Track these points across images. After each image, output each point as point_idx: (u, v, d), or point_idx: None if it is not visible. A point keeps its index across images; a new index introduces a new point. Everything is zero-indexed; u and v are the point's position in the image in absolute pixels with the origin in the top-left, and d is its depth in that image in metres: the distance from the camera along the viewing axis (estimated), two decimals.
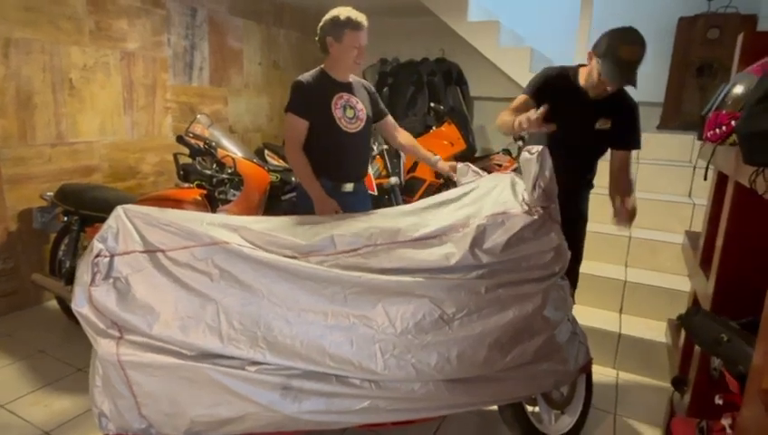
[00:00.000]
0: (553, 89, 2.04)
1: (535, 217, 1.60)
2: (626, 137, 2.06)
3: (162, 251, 1.54)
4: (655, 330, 2.62)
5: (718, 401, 1.25)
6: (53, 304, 3.16)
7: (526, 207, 1.63)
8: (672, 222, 3.17)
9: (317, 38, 2.22)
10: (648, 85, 4.38)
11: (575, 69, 2.08)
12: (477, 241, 1.58)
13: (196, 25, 3.94)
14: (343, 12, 2.15)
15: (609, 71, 1.85)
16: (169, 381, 1.46)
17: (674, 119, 4.22)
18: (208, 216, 1.76)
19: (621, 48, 1.83)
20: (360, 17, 2.16)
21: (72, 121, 3.19)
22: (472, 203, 1.78)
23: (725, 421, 1.25)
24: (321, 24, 2.19)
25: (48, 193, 2.86)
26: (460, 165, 2.16)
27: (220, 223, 1.68)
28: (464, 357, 1.50)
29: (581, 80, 2.02)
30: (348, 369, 1.46)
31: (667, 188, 3.42)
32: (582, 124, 2.05)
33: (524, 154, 1.67)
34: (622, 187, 2.07)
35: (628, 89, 2.00)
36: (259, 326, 1.46)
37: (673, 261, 2.95)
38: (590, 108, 2.03)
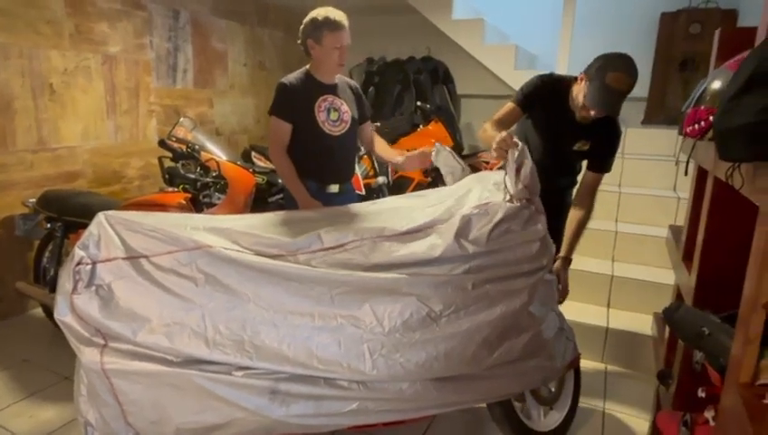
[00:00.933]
0: (541, 100, 2.00)
1: (518, 204, 1.62)
2: (600, 160, 2.01)
3: (145, 257, 1.52)
4: (642, 323, 2.65)
5: (701, 393, 1.26)
6: (38, 312, 3.12)
7: (509, 197, 1.64)
8: (657, 216, 3.21)
9: (299, 42, 2.19)
10: None
11: (570, 82, 1.96)
12: (462, 231, 1.58)
13: (179, 27, 3.90)
14: (321, 12, 2.10)
15: (592, 95, 1.77)
16: (155, 389, 1.44)
17: (658, 113, 4.26)
18: (192, 218, 1.74)
19: (609, 74, 1.74)
20: (339, 16, 2.11)
21: (54, 127, 3.14)
22: (456, 198, 1.79)
23: (708, 414, 1.26)
24: (301, 26, 2.16)
25: (30, 200, 2.82)
26: (436, 145, 2.11)
27: (204, 225, 1.66)
28: (452, 355, 1.50)
29: (572, 96, 1.92)
30: (336, 370, 1.45)
31: (653, 182, 3.46)
32: (562, 142, 2.01)
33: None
34: (580, 211, 2.03)
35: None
36: (245, 330, 1.45)
37: (659, 255, 2.98)
38: (573, 128, 1.97)
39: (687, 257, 1.62)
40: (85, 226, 2.44)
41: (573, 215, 2.03)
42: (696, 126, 1.41)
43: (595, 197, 2.05)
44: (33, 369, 2.50)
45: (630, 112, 4.49)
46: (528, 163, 1.61)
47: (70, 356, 2.54)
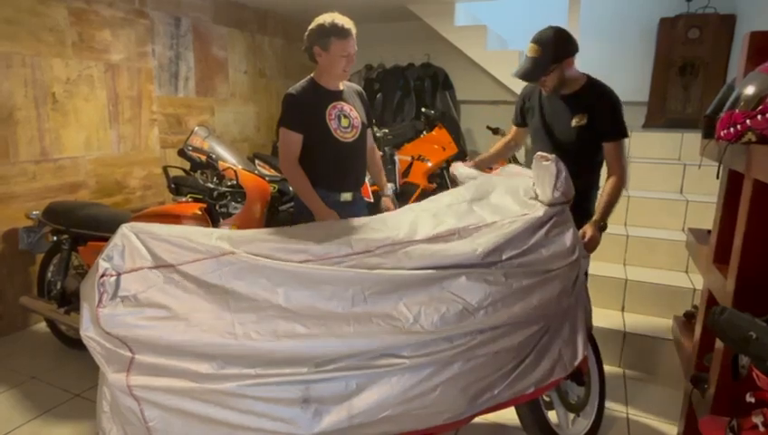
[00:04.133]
0: (526, 99, 2.23)
1: (552, 213, 1.62)
2: (605, 128, 2.01)
3: (172, 266, 1.48)
4: (658, 327, 2.65)
5: (750, 398, 1.25)
6: (41, 327, 3.04)
7: (544, 206, 1.64)
8: (666, 219, 3.23)
9: (304, 48, 2.14)
10: (633, 85, 4.49)
11: None
12: (500, 239, 1.56)
13: (181, 35, 3.86)
14: (328, 19, 2.05)
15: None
16: (182, 405, 1.39)
17: (659, 117, 4.31)
18: (216, 231, 1.71)
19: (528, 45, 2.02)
20: (347, 24, 2.06)
21: (56, 137, 3.08)
22: (485, 203, 1.78)
23: (757, 419, 1.24)
24: (307, 32, 2.10)
25: (35, 212, 2.74)
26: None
27: (229, 236, 1.62)
28: (491, 347, 1.48)
29: None
30: (371, 366, 1.41)
31: (659, 185, 3.48)
32: (560, 123, 2.07)
33: (538, 162, 1.70)
34: (611, 177, 2.03)
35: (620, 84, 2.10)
36: (277, 336, 1.41)
37: (670, 257, 3.00)
38: (563, 105, 2.06)
39: (719, 261, 1.61)
40: (95, 238, 2.43)
41: (606, 182, 2.04)
42: (732, 129, 1.40)
43: (622, 162, 2.02)
44: (42, 386, 2.42)
45: (631, 116, 4.55)
46: (563, 171, 1.62)
47: (79, 373, 2.50)
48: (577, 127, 2.03)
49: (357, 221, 1.86)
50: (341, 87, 2.24)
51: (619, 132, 2.01)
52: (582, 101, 2.02)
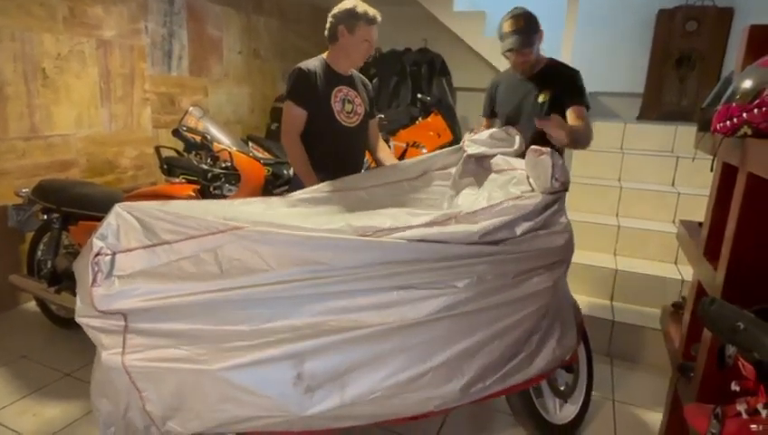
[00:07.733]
0: (494, 89, 2.38)
1: (550, 200, 1.63)
2: (567, 98, 2.11)
3: (168, 243, 1.47)
4: (646, 316, 2.70)
5: (735, 387, 1.28)
6: (31, 305, 3.01)
7: (540, 193, 1.65)
8: (658, 211, 3.26)
9: (327, 25, 2.18)
10: (629, 76, 4.50)
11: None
12: (499, 221, 1.57)
13: (174, 12, 3.78)
14: (359, 5, 2.13)
15: (503, 46, 2.13)
16: (175, 377, 1.40)
17: (654, 109, 4.32)
18: (212, 205, 1.68)
19: (503, 24, 2.13)
20: (376, 13, 2.15)
21: (47, 114, 3.02)
22: (481, 190, 1.79)
23: (740, 407, 1.28)
24: (334, 11, 2.15)
25: (24, 189, 2.70)
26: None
27: (224, 215, 1.61)
28: (485, 331, 1.50)
29: (512, 64, 2.25)
30: (362, 326, 1.41)
31: (651, 177, 3.51)
32: (527, 100, 2.20)
33: (533, 157, 1.71)
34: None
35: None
36: (273, 314, 1.41)
37: (660, 249, 3.04)
38: (526, 85, 2.21)
39: (710, 253, 1.63)
40: (86, 217, 2.40)
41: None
42: (728, 122, 1.41)
43: (587, 123, 2.07)
44: (32, 365, 2.41)
45: (626, 108, 4.56)
46: (560, 161, 1.62)
47: (69, 352, 2.50)
48: (543, 103, 2.14)
49: (356, 199, 1.86)
50: (350, 73, 2.28)
51: (581, 100, 2.10)
52: (546, 79, 2.17)
